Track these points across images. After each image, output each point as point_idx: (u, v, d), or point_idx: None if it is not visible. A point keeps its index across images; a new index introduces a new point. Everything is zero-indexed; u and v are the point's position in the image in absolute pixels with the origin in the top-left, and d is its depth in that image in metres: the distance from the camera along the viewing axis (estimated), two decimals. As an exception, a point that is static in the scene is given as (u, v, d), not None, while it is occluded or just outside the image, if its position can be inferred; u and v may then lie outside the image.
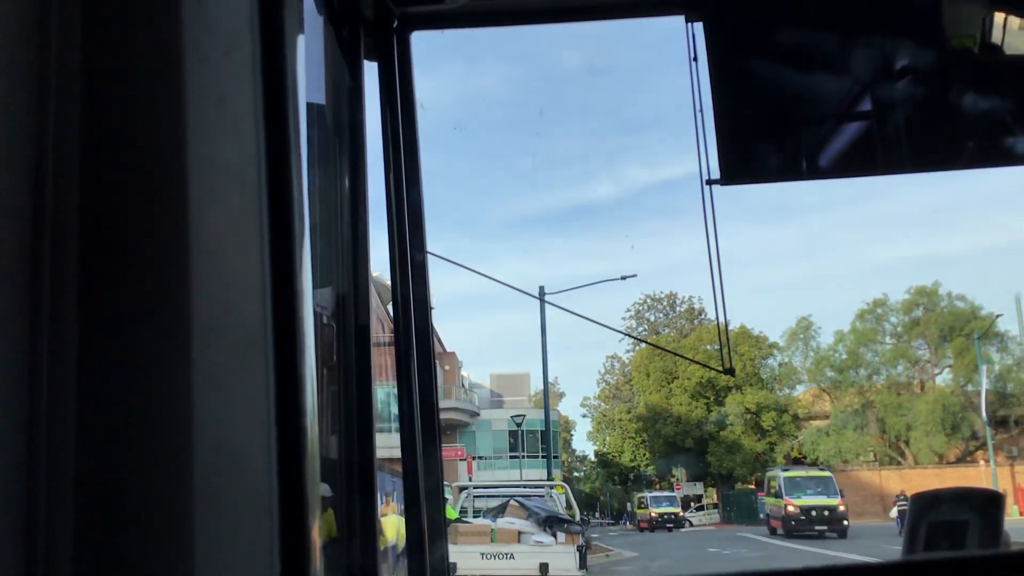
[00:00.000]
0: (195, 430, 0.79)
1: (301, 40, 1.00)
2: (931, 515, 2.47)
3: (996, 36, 2.28)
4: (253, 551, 0.84)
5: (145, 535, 0.78)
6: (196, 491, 0.79)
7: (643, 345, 70.44)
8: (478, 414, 54.17)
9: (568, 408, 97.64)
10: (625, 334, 67.72)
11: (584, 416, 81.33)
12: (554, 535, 18.23)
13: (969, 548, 2.31)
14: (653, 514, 55.36)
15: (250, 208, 0.88)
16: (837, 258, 78.35)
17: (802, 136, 2.39)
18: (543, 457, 42.27)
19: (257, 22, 0.92)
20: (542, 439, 43.74)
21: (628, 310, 75.05)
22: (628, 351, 75.15)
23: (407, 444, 2.27)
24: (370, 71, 2.28)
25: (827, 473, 42.69)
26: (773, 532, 40.90)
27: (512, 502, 19.98)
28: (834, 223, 76.92)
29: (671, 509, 55.88)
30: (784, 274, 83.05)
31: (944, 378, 55.74)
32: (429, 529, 2.25)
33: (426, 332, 2.34)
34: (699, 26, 2.24)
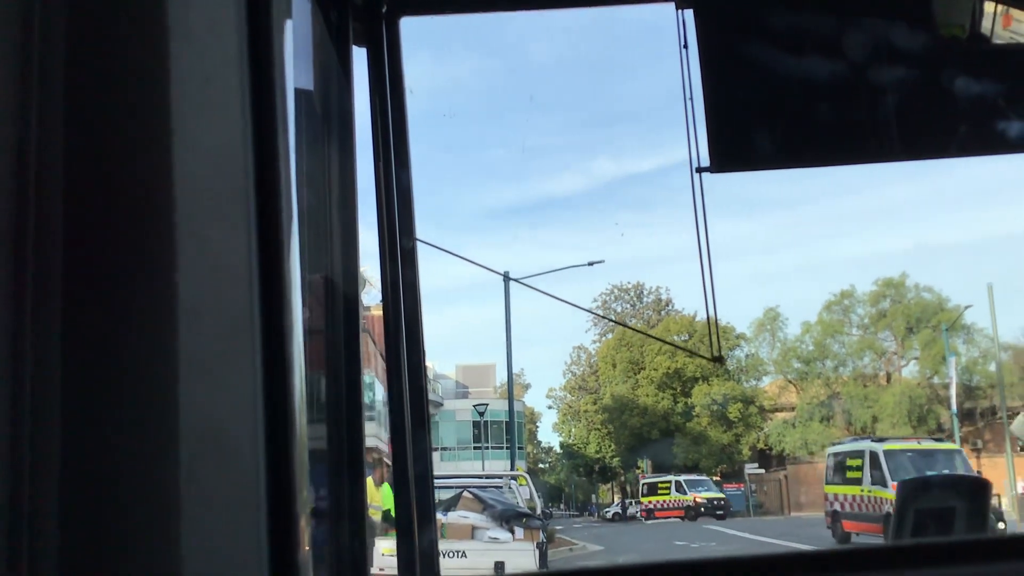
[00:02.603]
0: (181, 418, 0.79)
1: (288, 22, 1.00)
2: (918, 502, 2.54)
3: (986, 25, 2.31)
4: (241, 540, 0.84)
5: (131, 525, 0.78)
6: (183, 480, 0.79)
7: (610, 336, 70.67)
8: (441, 404, 54.14)
9: (534, 399, 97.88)
10: (601, 316, 67.58)
11: (550, 407, 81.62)
12: (511, 531, 17.21)
13: (957, 534, 2.37)
14: (698, 500, 51.07)
15: (236, 192, 0.88)
16: (805, 251, 79.23)
17: (793, 124, 2.41)
18: (508, 448, 42.30)
19: (244, 2, 0.91)
20: (507, 429, 43.74)
21: (595, 300, 75.21)
22: (595, 342, 75.48)
23: (397, 430, 2.28)
24: (359, 57, 2.28)
25: (952, 445, 31.97)
26: (843, 537, 28.30)
27: (466, 494, 18.95)
28: (803, 217, 77.65)
29: (715, 494, 52.11)
30: (752, 266, 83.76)
31: (910, 370, 56.57)
32: (418, 515, 2.27)
33: (416, 318, 2.35)
34: (689, 13, 2.25)
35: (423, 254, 2.39)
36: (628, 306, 75.74)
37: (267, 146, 0.91)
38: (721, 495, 51.85)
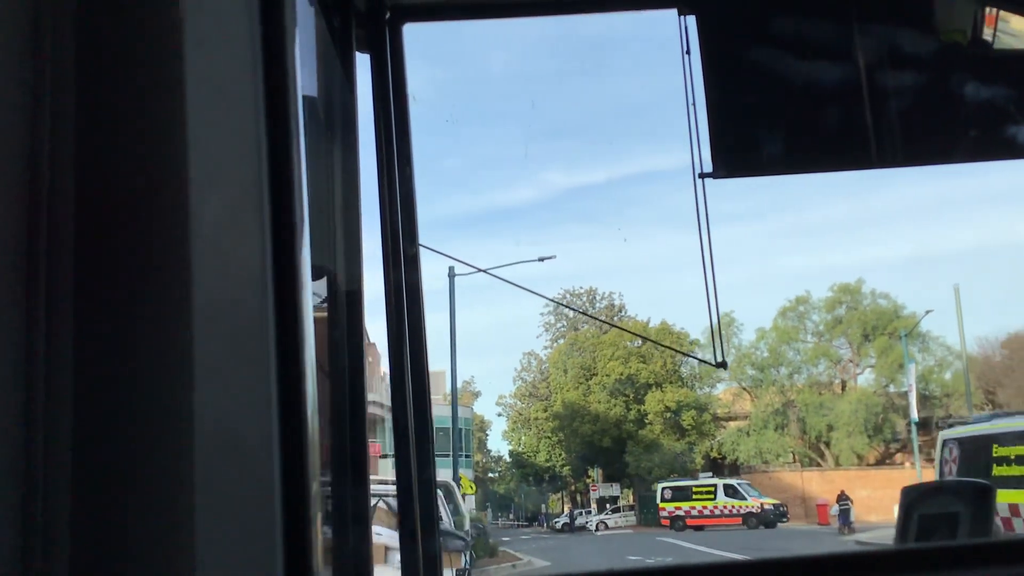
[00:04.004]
0: (195, 421, 0.81)
1: (297, 28, 1.01)
2: (921, 507, 2.54)
3: (987, 32, 2.34)
4: (255, 542, 0.84)
5: (145, 527, 0.79)
6: (197, 482, 0.80)
7: (562, 341, 70.38)
8: (391, 410, 53.24)
9: (485, 407, 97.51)
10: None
11: (500, 415, 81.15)
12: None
13: (960, 539, 2.33)
14: (765, 506, 46.03)
15: (250, 196, 0.89)
16: (761, 262, 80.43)
17: (795, 130, 2.44)
18: (463, 455, 41.73)
19: (257, 7, 0.93)
20: (462, 437, 43.13)
21: (546, 305, 74.96)
22: (546, 348, 75.15)
23: (400, 435, 2.31)
24: (363, 63, 2.33)
25: None
26: None
27: (381, 504, 17.29)
28: (758, 230, 78.74)
29: (772, 500, 47.49)
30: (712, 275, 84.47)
31: (866, 378, 57.09)
32: (422, 519, 2.30)
33: (419, 323, 2.39)
34: (692, 19, 2.29)
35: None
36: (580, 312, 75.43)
37: (279, 150, 0.92)
38: (773, 500, 47.34)
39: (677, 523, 48.94)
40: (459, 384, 34.82)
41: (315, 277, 2.06)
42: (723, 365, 3.04)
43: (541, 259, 31.62)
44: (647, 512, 58.81)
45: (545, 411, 69.01)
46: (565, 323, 74.83)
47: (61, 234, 0.81)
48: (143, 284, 0.82)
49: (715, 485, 48.98)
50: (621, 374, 61.91)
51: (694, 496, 49.72)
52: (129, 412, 0.80)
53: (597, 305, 75.00)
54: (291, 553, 0.86)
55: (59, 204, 0.81)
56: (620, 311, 73.14)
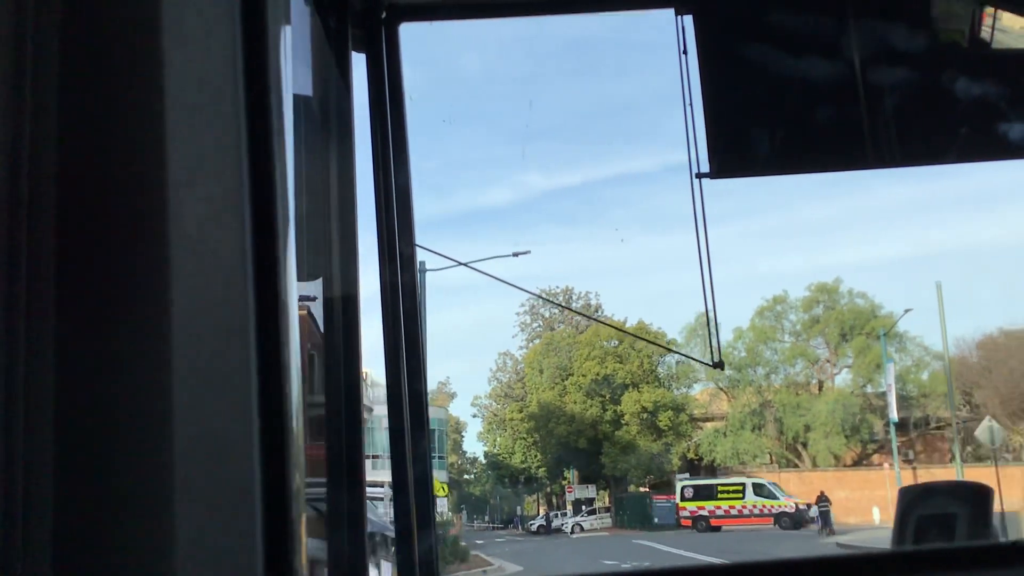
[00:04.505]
0: (176, 420, 0.81)
1: (286, 27, 1.01)
2: (920, 508, 2.53)
3: (985, 31, 2.35)
4: (235, 542, 0.85)
5: (126, 527, 0.79)
6: (177, 482, 0.81)
7: (537, 341, 70.10)
8: (372, 410, 52.88)
9: (460, 409, 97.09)
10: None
11: (475, 416, 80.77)
12: (376, 564, 15.17)
13: (959, 541, 2.36)
14: (799, 506, 43.49)
15: (231, 195, 0.89)
16: (739, 263, 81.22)
17: (792, 130, 2.45)
18: (437, 457, 41.35)
19: (238, 7, 0.93)
20: (435, 438, 42.73)
21: (522, 305, 74.73)
22: (521, 348, 74.87)
23: (396, 432, 2.33)
24: (358, 63, 2.34)
25: None
26: None
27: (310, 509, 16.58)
28: (735, 232, 79.49)
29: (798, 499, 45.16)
30: (688, 277, 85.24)
31: (843, 378, 57.21)
32: (418, 518, 2.31)
33: (415, 322, 2.40)
34: (689, 19, 2.29)
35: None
36: (557, 311, 75.30)
37: (262, 149, 0.92)
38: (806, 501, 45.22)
39: (700, 523, 47.62)
40: (435, 385, 34.38)
41: (311, 276, 2.14)
42: (719, 366, 3.01)
43: (515, 254, 31.35)
44: (623, 514, 58.67)
45: (520, 412, 68.72)
46: (541, 323, 74.59)
47: (42, 233, 0.81)
48: (123, 283, 0.82)
49: (743, 484, 47.53)
50: (597, 374, 61.70)
51: (720, 495, 48.27)
52: (110, 411, 0.80)
53: (574, 305, 74.81)
54: (271, 552, 0.86)
55: (40, 202, 0.82)
56: (596, 311, 72.97)
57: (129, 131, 0.84)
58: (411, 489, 2.32)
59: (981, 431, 33.58)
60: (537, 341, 70.97)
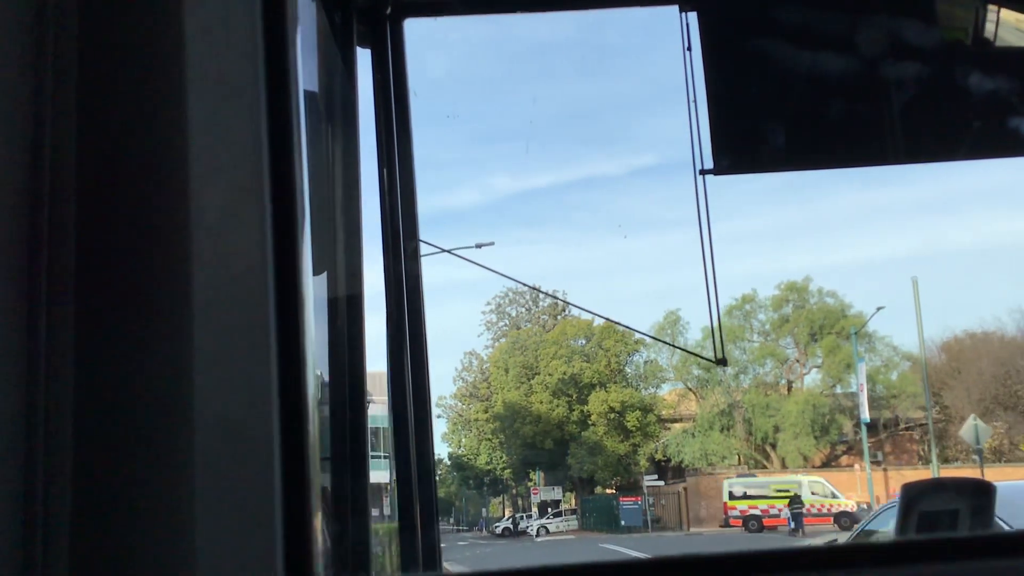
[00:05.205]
0: (196, 415, 0.82)
1: (298, 22, 1.02)
2: (921, 504, 2.55)
3: (989, 30, 2.36)
4: (255, 537, 0.85)
5: (145, 521, 0.80)
6: (197, 476, 0.82)
7: (504, 340, 69.38)
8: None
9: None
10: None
11: (439, 417, 79.93)
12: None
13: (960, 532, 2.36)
14: (860, 504, 41.61)
15: (251, 190, 0.90)
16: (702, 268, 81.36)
17: (796, 126, 2.46)
18: (386, 457, 40.61)
19: (258, 4, 0.95)
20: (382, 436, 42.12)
21: (488, 303, 74.11)
22: (487, 347, 74.12)
23: (400, 426, 2.35)
24: (363, 58, 2.39)
25: None
26: None
27: None
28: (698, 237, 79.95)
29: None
30: (654, 278, 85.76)
31: (812, 378, 56.94)
32: (421, 510, 2.33)
33: (419, 317, 2.42)
34: (693, 16, 2.30)
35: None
36: (523, 310, 74.68)
37: (280, 145, 0.93)
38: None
39: (751, 523, 46.15)
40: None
41: (316, 272, 2.12)
42: (723, 362, 4.20)
43: (478, 245, 30.71)
44: (590, 516, 58.10)
45: (486, 412, 68.09)
46: (507, 322, 73.86)
47: (63, 229, 0.83)
48: (144, 279, 0.84)
49: (799, 482, 45.70)
50: (564, 373, 61.12)
51: (774, 494, 46.29)
52: (130, 407, 0.81)
53: (541, 304, 74.19)
54: (291, 547, 0.86)
55: (61, 199, 0.83)
56: (564, 310, 72.37)
57: (149, 126, 0.84)
58: (415, 482, 2.33)
59: (966, 430, 32.95)
60: (504, 340, 70.22)
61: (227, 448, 0.82)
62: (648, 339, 61.89)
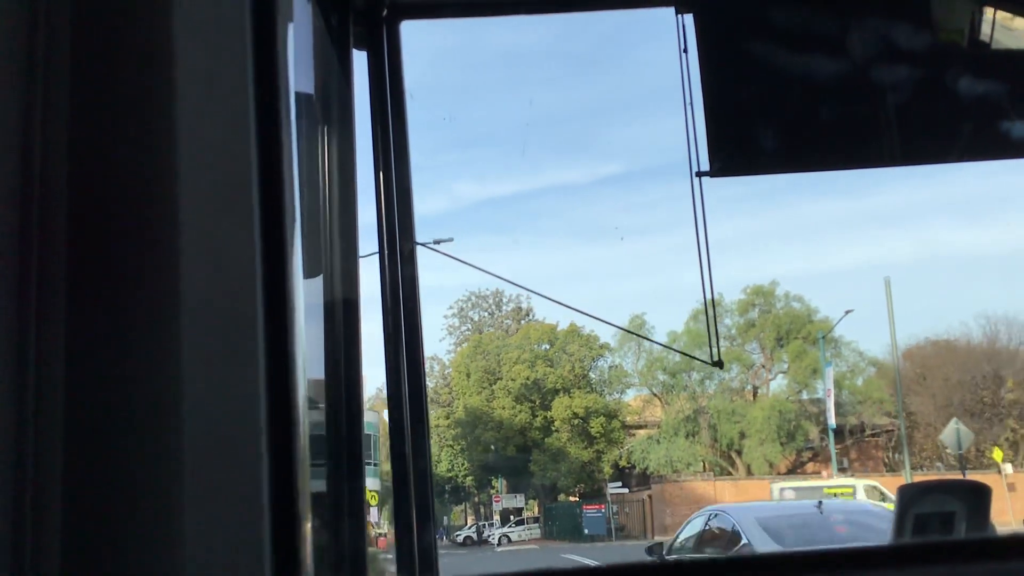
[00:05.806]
0: (184, 415, 0.83)
1: (290, 25, 1.03)
2: (917, 506, 2.57)
3: (985, 31, 2.37)
4: (244, 537, 0.86)
5: (134, 521, 0.80)
6: (186, 477, 0.82)
7: (466, 345, 68.49)
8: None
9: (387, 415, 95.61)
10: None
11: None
12: None
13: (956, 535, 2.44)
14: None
15: (240, 191, 0.91)
16: (676, 270, 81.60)
17: (793, 128, 2.47)
18: (372, 464, 40.43)
19: (248, 4, 0.95)
20: (370, 444, 41.58)
21: (451, 307, 73.27)
22: (449, 352, 73.23)
23: (396, 426, 2.37)
24: (359, 60, 2.41)
25: None
26: None
27: None
28: (671, 243, 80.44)
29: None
30: (616, 285, 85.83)
31: (778, 383, 56.63)
32: (418, 512, 2.35)
33: (415, 318, 2.44)
34: (689, 18, 2.32)
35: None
36: (486, 314, 73.97)
37: (270, 145, 0.93)
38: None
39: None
40: (372, 391, 32.76)
41: (311, 274, 2.13)
42: (719, 364, 2.97)
43: (436, 241, 29.95)
44: (552, 524, 57.35)
45: (447, 418, 67.11)
46: (470, 326, 73.00)
47: (53, 230, 0.83)
48: (134, 280, 0.84)
49: (853, 486, 42.97)
50: (527, 378, 60.46)
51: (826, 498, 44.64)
52: (119, 408, 0.82)
53: (504, 308, 73.48)
54: (279, 549, 0.87)
55: (51, 200, 0.84)
56: (527, 314, 71.66)
57: (139, 127, 0.85)
58: (411, 483, 2.35)
59: (947, 434, 32.35)
60: (466, 344, 69.35)
61: (216, 450, 0.83)
62: (611, 344, 61.29)
